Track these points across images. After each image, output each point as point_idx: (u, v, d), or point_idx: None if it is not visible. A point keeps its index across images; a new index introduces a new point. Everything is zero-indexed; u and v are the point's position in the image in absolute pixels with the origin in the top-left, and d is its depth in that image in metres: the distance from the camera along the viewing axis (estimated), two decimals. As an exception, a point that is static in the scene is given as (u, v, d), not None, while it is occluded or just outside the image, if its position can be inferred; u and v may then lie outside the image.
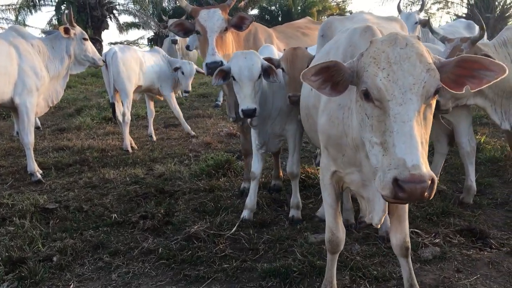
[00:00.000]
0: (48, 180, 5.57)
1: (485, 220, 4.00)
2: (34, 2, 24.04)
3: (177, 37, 11.47)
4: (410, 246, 2.72)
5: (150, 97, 8.01)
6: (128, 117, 6.98)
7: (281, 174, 5.11)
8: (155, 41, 26.74)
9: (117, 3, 26.10)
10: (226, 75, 3.71)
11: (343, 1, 31.18)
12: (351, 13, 22.60)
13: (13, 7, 23.71)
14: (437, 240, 3.60)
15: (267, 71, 3.69)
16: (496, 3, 24.67)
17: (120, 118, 7.02)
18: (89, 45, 6.08)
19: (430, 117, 1.98)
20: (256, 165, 4.27)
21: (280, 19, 26.27)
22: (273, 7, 28.89)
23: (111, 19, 25.65)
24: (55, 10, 23.91)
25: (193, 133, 7.94)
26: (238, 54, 3.73)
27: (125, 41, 28.22)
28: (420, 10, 7.59)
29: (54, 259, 3.48)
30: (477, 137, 5.48)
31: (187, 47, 10.11)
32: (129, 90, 6.90)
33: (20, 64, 5.36)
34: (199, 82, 13.87)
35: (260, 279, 3.17)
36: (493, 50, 4.04)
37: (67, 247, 3.64)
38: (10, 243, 3.73)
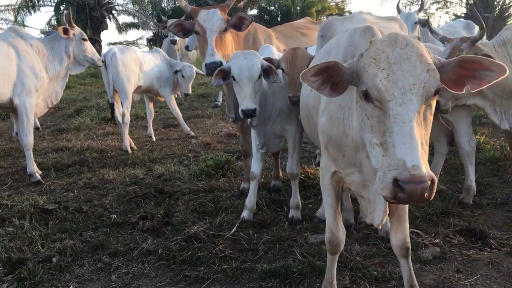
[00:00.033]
0: (47, 180, 5.56)
1: (485, 220, 4.00)
2: (33, 3, 24.01)
3: (177, 38, 11.47)
4: (410, 247, 2.71)
5: (150, 98, 8.01)
6: (128, 117, 6.97)
7: (280, 174, 5.10)
8: (154, 42, 26.72)
9: (116, 4, 26.11)
10: (226, 75, 3.72)
11: (342, 1, 31.22)
12: (350, 13, 22.59)
13: (12, 7, 23.70)
14: (437, 240, 3.60)
15: (267, 71, 3.69)
16: (495, 3, 24.67)
17: (119, 118, 7.02)
18: (88, 45, 6.07)
19: (430, 118, 1.98)
20: (255, 165, 4.27)
21: (279, 19, 26.26)
22: (272, 7, 28.88)
23: (110, 20, 25.65)
24: (54, 10, 23.89)
25: (192, 133, 7.94)
26: (238, 54, 3.73)
27: (124, 41, 28.23)
28: (420, 10, 7.59)
29: (54, 260, 3.48)
30: (476, 137, 5.48)
31: (187, 48, 10.11)
32: (128, 91, 6.89)
33: (19, 65, 5.36)
34: (198, 83, 13.87)
35: (260, 280, 3.17)
36: (492, 50, 4.04)
37: (67, 248, 3.63)
38: (10, 244, 3.73)
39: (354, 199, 4.11)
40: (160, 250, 3.59)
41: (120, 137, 7.49)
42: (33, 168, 5.56)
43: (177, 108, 7.95)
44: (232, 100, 4.21)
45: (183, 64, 7.72)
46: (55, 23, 23.34)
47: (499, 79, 1.96)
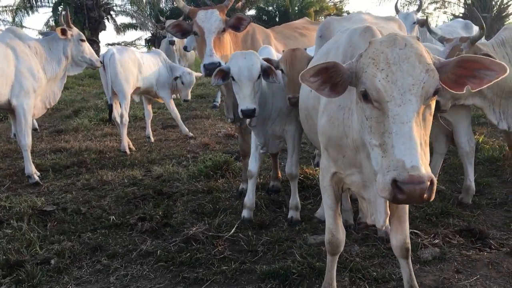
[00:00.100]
0: (45, 182, 5.55)
1: (484, 220, 4.00)
2: (31, 4, 23.96)
3: (175, 38, 11.45)
4: (410, 247, 2.71)
5: (148, 99, 8.00)
6: (126, 118, 6.96)
7: (279, 175, 5.09)
8: (153, 42, 26.67)
9: (114, 4, 26.08)
10: (225, 75, 3.71)
11: (340, 1, 31.20)
12: (348, 13, 22.59)
13: (10, 8, 23.63)
14: (436, 241, 3.59)
15: (267, 72, 3.68)
16: (493, 2, 24.70)
17: (117, 119, 7.01)
18: (86, 46, 6.05)
19: (430, 118, 1.97)
20: (253, 164, 4.26)
21: (277, 19, 26.26)
22: (270, 8, 28.87)
23: (108, 20, 25.62)
24: (52, 11, 23.86)
25: (191, 134, 7.93)
26: (237, 54, 3.73)
27: (122, 42, 28.14)
28: (418, 10, 7.59)
29: (52, 262, 3.46)
30: (475, 137, 5.47)
31: (185, 48, 10.10)
32: (127, 92, 6.88)
33: (17, 66, 5.34)
34: (197, 83, 13.76)
35: (259, 281, 3.16)
36: (491, 50, 4.04)
37: (65, 249, 3.62)
38: (8, 246, 3.71)
39: (353, 200, 4.11)
40: (159, 251, 3.58)
41: (118, 138, 7.47)
42: (31, 169, 5.54)
43: (175, 109, 7.94)
44: (231, 100, 4.20)
45: (183, 71, 7.72)
46: (53, 24, 23.31)
47: (499, 78, 1.95)
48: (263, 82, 3.77)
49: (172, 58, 10.46)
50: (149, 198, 4.80)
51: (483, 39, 4.31)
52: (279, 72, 3.83)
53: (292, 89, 3.70)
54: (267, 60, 3.79)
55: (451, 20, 16.09)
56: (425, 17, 6.63)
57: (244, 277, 3.24)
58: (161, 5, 27.17)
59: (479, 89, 2.01)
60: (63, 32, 5.76)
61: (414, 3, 23.94)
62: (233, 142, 7.36)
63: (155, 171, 5.81)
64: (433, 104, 1.98)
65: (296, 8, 27.40)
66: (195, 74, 7.75)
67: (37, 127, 8.52)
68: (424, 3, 24.17)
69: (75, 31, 5.95)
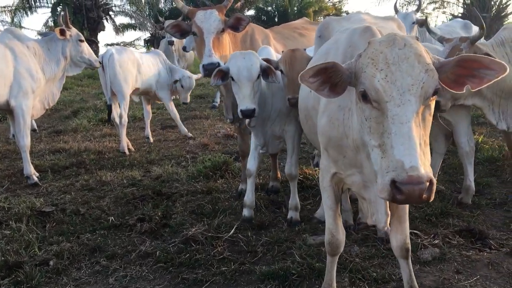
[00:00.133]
0: (44, 183, 5.53)
1: (484, 221, 3.99)
2: (30, 4, 23.94)
3: (174, 39, 11.44)
4: (410, 247, 2.70)
5: (147, 99, 7.99)
6: (125, 119, 6.95)
7: (279, 175, 5.08)
8: (152, 42, 26.70)
9: (113, 5, 26.09)
10: (224, 75, 3.71)
11: (339, 2, 31.23)
12: (347, 13, 22.61)
13: (9, 9, 23.63)
14: (436, 241, 3.58)
15: (266, 72, 3.68)
16: (492, 2, 24.72)
17: (117, 120, 7.00)
18: (85, 46, 6.04)
19: (429, 118, 1.96)
20: (251, 162, 4.25)
21: (276, 19, 26.29)
22: (269, 8, 28.90)
23: (107, 21, 25.61)
24: (51, 11, 23.87)
25: (190, 134, 7.92)
26: (237, 55, 3.72)
27: (121, 42, 28.16)
28: (417, 10, 7.58)
29: (51, 263, 3.45)
30: (474, 136, 5.48)
31: (184, 48, 10.10)
32: (126, 92, 6.87)
33: (15, 66, 5.33)
34: (196, 83, 13.81)
35: (258, 282, 3.15)
36: (491, 49, 4.03)
37: (64, 250, 3.61)
38: (6, 247, 3.70)
39: (353, 200, 4.10)
40: (158, 252, 3.57)
41: (117, 139, 7.46)
42: (30, 170, 5.53)
43: (174, 109, 7.93)
44: (230, 101, 4.19)
45: (183, 74, 7.72)
46: (52, 24, 23.30)
47: (499, 77, 1.95)
48: (263, 82, 3.77)
49: (171, 59, 10.45)
50: (148, 199, 4.79)
51: (482, 39, 4.30)
52: (278, 72, 3.83)
53: (292, 89, 3.69)
54: (267, 60, 3.79)
55: (450, 20, 16.10)
56: (424, 17, 6.63)
57: (244, 278, 3.23)
58: (160, 5, 27.20)
59: (479, 88, 2.01)
60: (62, 32, 5.75)
61: (413, 3, 23.94)
62: (232, 142, 7.36)
63: (154, 172, 5.80)
64: (432, 104, 1.97)
65: (295, 8, 27.42)
66: (194, 77, 7.75)
67: (36, 128, 8.52)
68: (423, 3, 24.21)
69: (74, 31, 5.94)
